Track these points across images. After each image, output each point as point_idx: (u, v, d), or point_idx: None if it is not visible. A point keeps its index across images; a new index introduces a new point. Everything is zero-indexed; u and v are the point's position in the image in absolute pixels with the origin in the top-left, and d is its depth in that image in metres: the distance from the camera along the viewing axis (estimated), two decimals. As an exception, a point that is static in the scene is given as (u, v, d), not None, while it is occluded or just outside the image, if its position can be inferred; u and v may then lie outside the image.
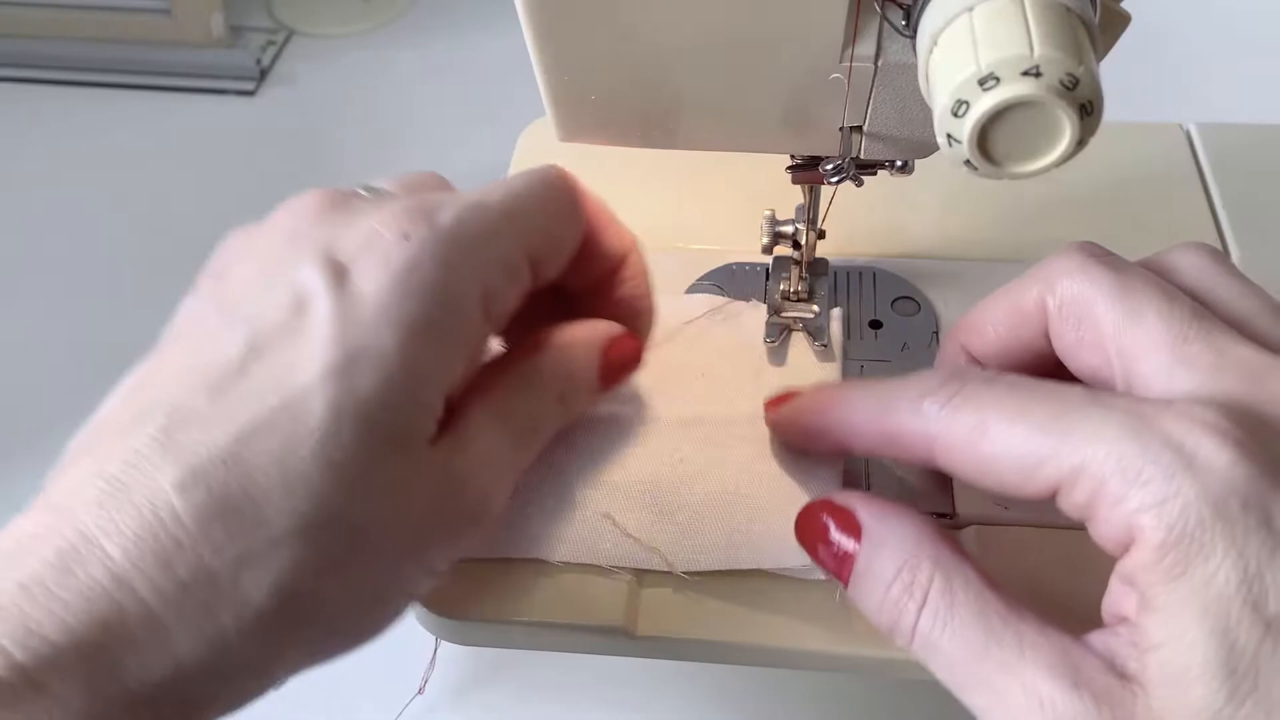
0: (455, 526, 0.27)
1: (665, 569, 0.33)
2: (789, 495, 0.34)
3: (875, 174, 0.34)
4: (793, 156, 0.34)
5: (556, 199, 0.30)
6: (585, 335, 0.32)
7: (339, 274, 0.25)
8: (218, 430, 0.23)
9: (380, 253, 0.25)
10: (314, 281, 0.24)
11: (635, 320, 0.34)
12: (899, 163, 0.33)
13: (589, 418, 0.36)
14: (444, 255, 0.25)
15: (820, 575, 0.32)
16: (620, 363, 0.33)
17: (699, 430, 0.36)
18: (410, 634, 0.34)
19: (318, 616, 0.24)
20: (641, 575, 0.33)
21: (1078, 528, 0.34)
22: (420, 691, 0.48)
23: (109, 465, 0.22)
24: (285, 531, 0.23)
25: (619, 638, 0.32)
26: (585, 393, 0.32)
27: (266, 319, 0.24)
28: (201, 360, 0.24)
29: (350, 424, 0.23)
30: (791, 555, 0.32)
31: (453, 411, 0.27)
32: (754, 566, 0.32)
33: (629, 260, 0.33)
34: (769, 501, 0.34)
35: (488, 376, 0.29)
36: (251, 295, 0.25)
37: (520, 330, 0.31)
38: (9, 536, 0.22)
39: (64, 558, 0.21)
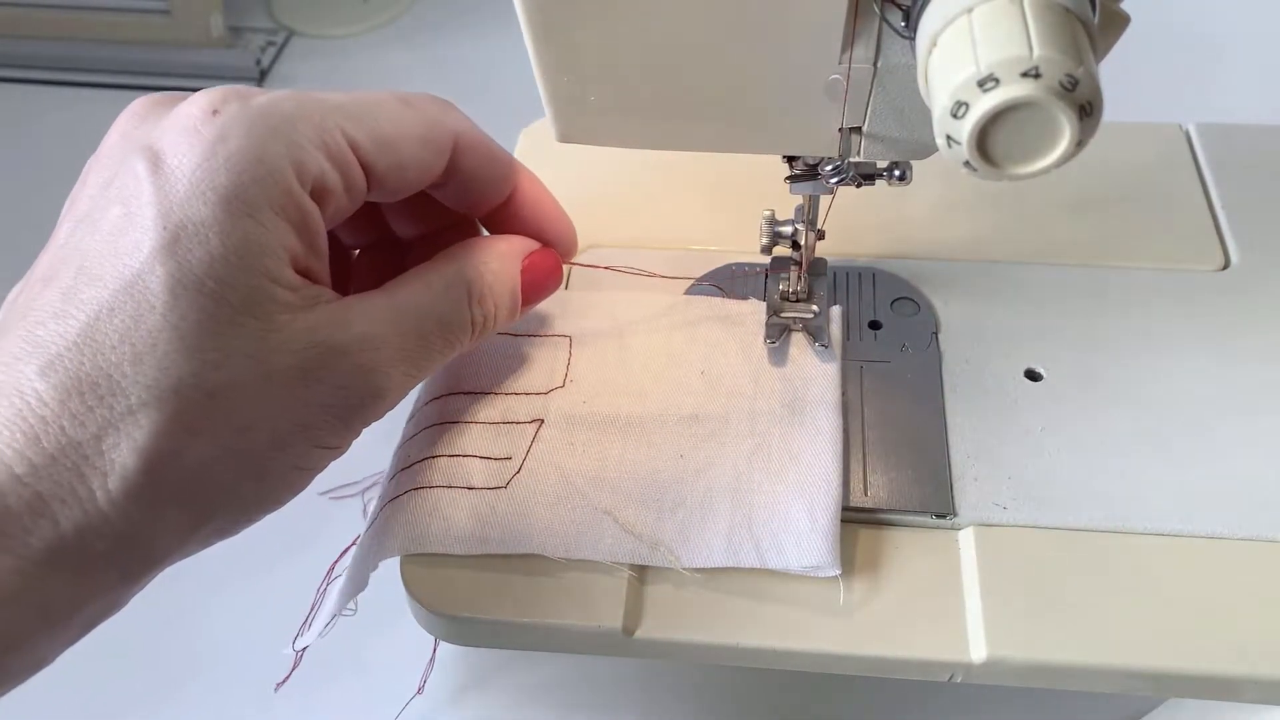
0: (337, 397, 0.28)
1: (667, 565, 0.33)
2: (788, 494, 0.34)
3: (874, 183, 0.34)
4: (791, 166, 0.35)
5: (406, 109, 0.31)
6: (504, 245, 0.34)
7: (155, 160, 0.26)
8: (71, 321, 0.25)
9: (190, 130, 0.26)
10: (137, 171, 0.26)
11: (553, 243, 0.36)
12: (897, 173, 0.34)
13: (589, 415, 0.36)
14: (250, 126, 0.27)
15: (822, 573, 0.32)
16: (541, 275, 0.35)
17: (699, 427, 0.36)
18: (410, 634, 0.35)
19: (193, 481, 0.25)
20: (642, 574, 0.33)
21: (1078, 528, 0.34)
22: (419, 691, 0.48)
23: None
24: (140, 400, 0.24)
25: (619, 638, 0.32)
26: (503, 299, 0.33)
27: (104, 218, 0.26)
28: (54, 267, 0.26)
29: (186, 294, 0.25)
30: (790, 555, 0.32)
31: (344, 292, 0.29)
32: (755, 565, 0.33)
33: (520, 188, 0.35)
34: (768, 499, 0.34)
35: (400, 276, 0.31)
36: (92, 201, 0.27)
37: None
38: None
39: None
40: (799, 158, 0.36)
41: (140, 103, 0.29)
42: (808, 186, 0.35)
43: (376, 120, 0.29)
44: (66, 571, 0.24)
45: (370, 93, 0.31)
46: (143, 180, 0.26)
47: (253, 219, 0.26)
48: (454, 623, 0.33)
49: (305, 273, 0.28)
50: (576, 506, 0.34)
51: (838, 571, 0.32)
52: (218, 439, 0.26)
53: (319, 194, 0.28)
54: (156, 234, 0.25)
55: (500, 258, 0.33)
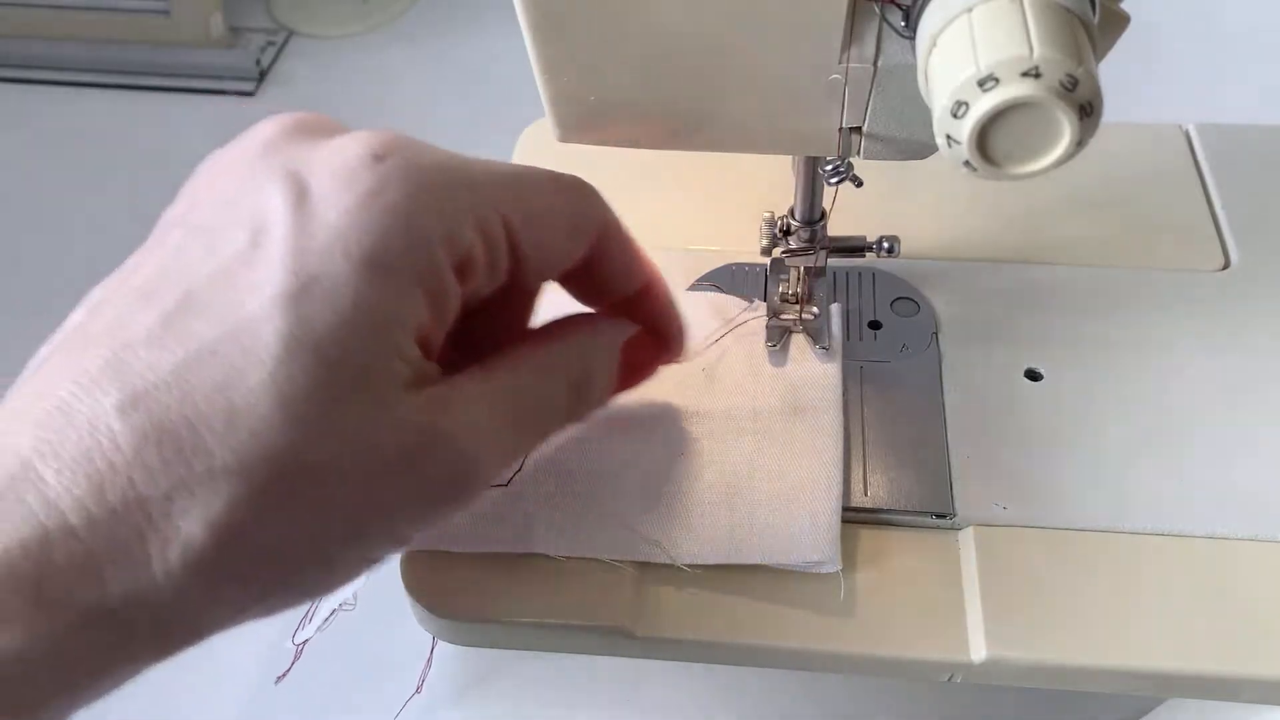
0: (429, 489, 0.25)
1: (667, 561, 0.33)
2: (788, 490, 0.34)
3: (860, 185, 0.34)
4: (787, 248, 0.37)
5: (558, 194, 0.28)
6: (607, 330, 0.31)
7: (300, 194, 0.23)
8: (165, 354, 0.22)
9: (346, 173, 0.23)
10: (274, 202, 0.23)
11: (661, 339, 0.33)
12: (886, 245, 0.36)
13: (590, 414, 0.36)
14: (411, 185, 0.24)
15: (822, 570, 0.32)
16: (639, 363, 0.32)
17: (701, 424, 0.36)
18: (408, 632, 0.35)
19: (260, 560, 0.22)
20: (642, 574, 0.33)
21: (1078, 528, 0.34)
22: (418, 690, 0.48)
23: (59, 387, 0.22)
24: (224, 464, 0.21)
25: (619, 638, 0.32)
26: (600, 387, 0.31)
27: (225, 241, 0.23)
28: (158, 281, 0.23)
29: (302, 354, 0.22)
30: (791, 551, 0.32)
31: (451, 374, 0.26)
32: (754, 561, 0.33)
33: (650, 290, 0.32)
34: (768, 495, 0.34)
35: (498, 355, 0.28)
36: (215, 215, 0.24)
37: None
38: None
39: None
40: (790, 233, 0.37)
41: (291, 119, 0.26)
42: (800, 260, 0.37)
43: (530, 202, 0.27)
44: (102, 640, 0.21)
45: (526, 168, 0.28)
46: (280, 213, 0.23)
47: (392, 287, 0.23)
48: (454, 623, 0.33)
49: (425, 348, 0.25)
50: (577, 504, 0.34)
51: (838, 567, 0.32)
52: (296, 521, 0.23)
53: (463, 270, 0.25)
54: (284, 279, 0.22)
55: (601, 347, 0.31)
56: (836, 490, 0.34)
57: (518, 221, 0.26)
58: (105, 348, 0.22)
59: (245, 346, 0.22)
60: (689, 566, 0.33)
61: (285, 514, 0.22)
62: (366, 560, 0.25)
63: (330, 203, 0.23)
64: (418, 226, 0.24)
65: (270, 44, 0.89)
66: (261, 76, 0.87)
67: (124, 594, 0.21)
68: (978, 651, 0.31)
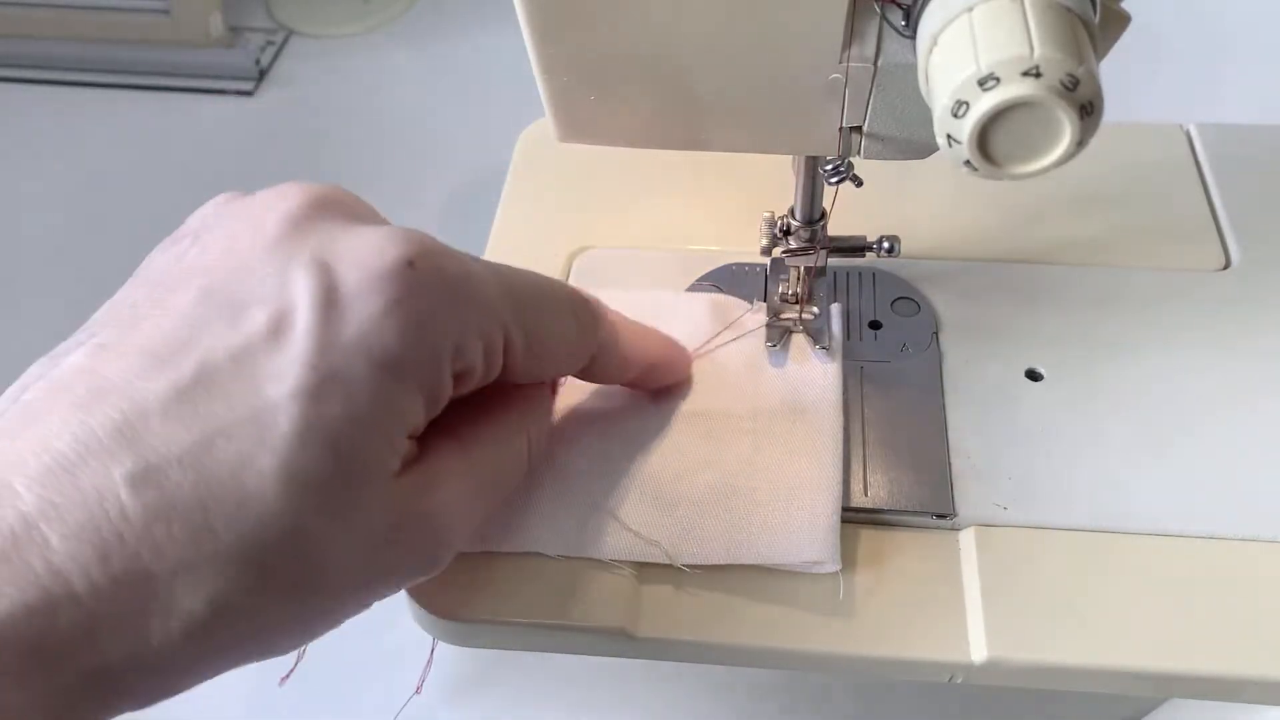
0: (408, 564, 0.26)
1: (665, 562, 0.33)
2: (787, 489, 0.34)
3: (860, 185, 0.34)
4: (787, 248, 0.37)
5: (568, 318, 0.30)
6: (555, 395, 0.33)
7: (330, 290, 0.24)
8: (181, 430, 0.22)
9: (378, 276, 0.24)
10: (302, 291, 0.23)
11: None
12: (886, 245, 0.36)
13: (589, 411, 0.36)
14: (436, 297, 0.25)
15: (821, 570, 0.32)
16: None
17: (699, 424, 0.36)
18: (409, 634, 0.35)
19: (250, 632, 0.23)
20: (641, 573, 0.33)
21: (1078, 528, 0.34)
22: (418, 691, 0.48)
23: (59, 441, 0.22)
24: (230, 547, 0.22)
25: (619, 639, 0.32)
26: (546, 433, 0.33)
27: (247, 319, 0.23)
28: (173, 347, 0.23)
29: (314, 448, 0.23)
30: (790, 551, 0.32)
31: (420, 452, 0.26)
32: (753, 561, 0.33)
33: (641, 378, 0.35)
34: (767, 495, 0.34)
35: (460, 420, 0.29)
36: (237, 287, 0.24)
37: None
38: None
39: (2, 541, 0.21)
40: (790, 233, 0.37)
41: (319, 194, 0.26)
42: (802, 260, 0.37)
43: (538, 325, 0.28)
44: (94, 703, 0.22)
45: (546, 285, 0.29)
46: (308, 305, 0.23)
47: (400, 389, 0.24)
48: (454, 623, 0.33)
49: (411, 436, 0.26)
50: (575, 504, 0.34)
51: (838, 567, 0.32)
52: (290, 600, 0.24)
53: (459, 378, 0.26)
54: (304, 374, 0.23)
55: (548, 396, 0.33)
56: (836, 490, 0.34)
57: (519, 343, 0.27)
58: (114, 409, 0.22)
59: (260, 434, 0.22)
60: (688, 567, 0.33)
61: (281, 594, 0.23)
62: (346, 618, 0.26)
63: (359, 305, 0.23)
64: (432, 338, 0.25)
65: (270, 44, 0.89)
66: (261, 76, 0.87)
67: (122, 658, 0.21)
68: (978, 652, 0.31)
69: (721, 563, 0.33)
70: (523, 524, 0.33)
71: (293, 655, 0.45)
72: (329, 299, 0.23)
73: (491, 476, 0.29)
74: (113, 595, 0.21)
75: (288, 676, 0.46)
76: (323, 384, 0.23)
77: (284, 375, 0.23)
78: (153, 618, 0.21)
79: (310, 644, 0.38)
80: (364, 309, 0.23)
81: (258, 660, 0.25)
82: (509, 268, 0.28)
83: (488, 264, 0.27)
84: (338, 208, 0.26)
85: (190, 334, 0.23)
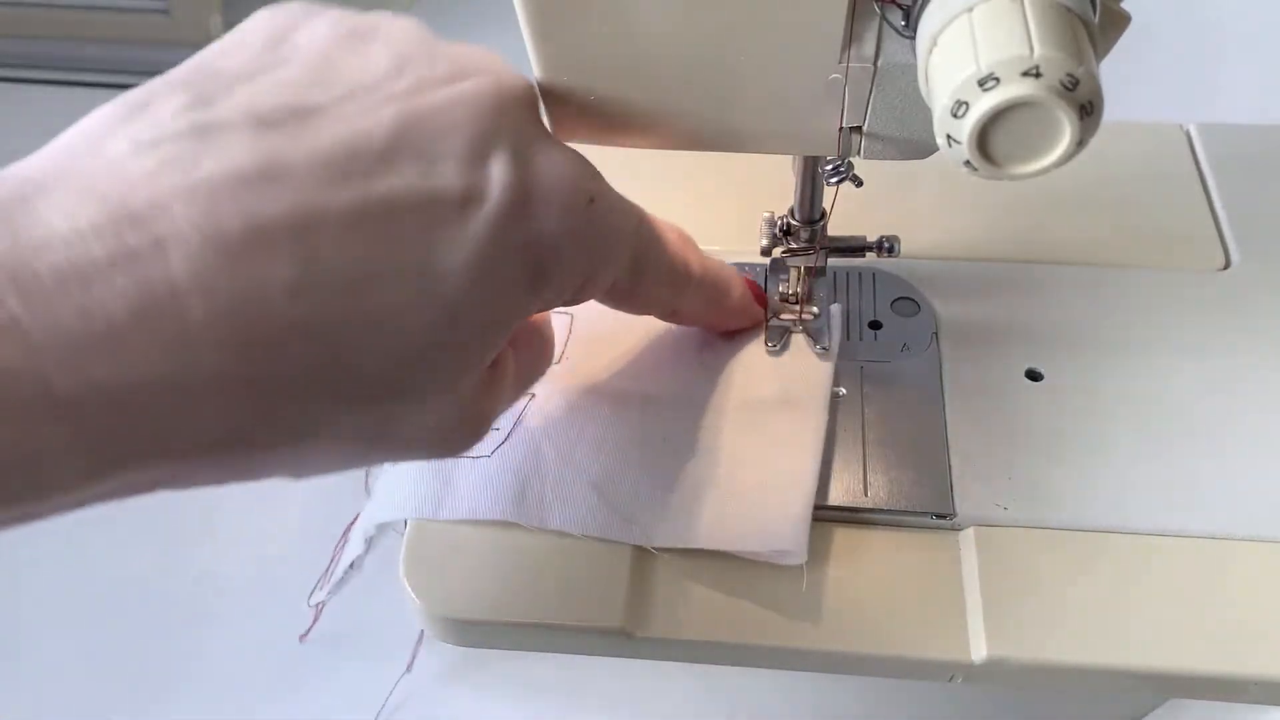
0: (450, 443, 0.27)
1: (640, 542, 0.33)
2: (763, 479, 0.34)
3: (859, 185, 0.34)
4: (787, 248, 0.38)
5: (670, 276, 0.32)
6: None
7: (524, 191, 0.24)
8: (351, 258, 0.22)
9: (566, 203, 0.25)
10: (499, 181, 0.24)
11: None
12: (887, 244, 0.37)
13: (581, 391, 0.36)
14: (598, 240, 0.27)
15: (788, 561, 0.33)
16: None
17: (687, 412, 0.36)
18: (400, 611, 0.35)
19: (307, 454, 0.24)
20: (640, 572, 0.33)
21: (1078, 528, 0.34)
22: (408, 669, 0.48)
23: (224, 219, 0.20)
24: (345, 389, 0.22)
25: (618, 639, 0.32)
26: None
27: (442, 180, 0.23)
28: (360, 167, 0.22)
29: (462, 325, 0.24)
30: (759, 539, 0.32)
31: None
32: (723, 548, 0.33)
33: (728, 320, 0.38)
34: (745, 485, 0.34)
35: (521, 344, 0.31)
36: (436, 136, 0.23)
37: None
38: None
39: (144, 303, 0.19)
40: (790, 233, 0.37)
41: (511, 74, 0.26)
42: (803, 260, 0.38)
43: (644, 279, 0.31)
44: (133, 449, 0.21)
45: (668, 248, 0.32)
46: (500, 195, 0.24)
47: (535, 301, 0.26)
48: (454, 623, 0.33)
49: None
50: (556, 479, 0.34)
51: (804, 559, 0.32)
52: (358, 444, 0.25)
53: (568, 301, 0.28)
54: (479, 253, 0.23)
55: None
56: (811, 484, 0.34)
57: (623, 288, 0.30)
58: (292, 205, 0.21)
59: (420, 290, 0.23)
60: (658, 550, 0.33)
61: (353, 442, 0.24)
62: (334, 467, 0.25)
63: (541, 218, 0.25)
64: (580, 267, 0.27)
65: (270, 44, 0.89)
66: (261, 76, 0.86)
67: (229, 438, 0.21)
68: (978, 651, 0.31)
69: (692, 546, 0.33)
70: (502, 494, 0.34)
71: (309, 613, 0.47)
72: (521, 199, 0.24)
73: (528, 377, 0.31)
74: (231, 389, 0.21)
75: (307, 633, 0.48)
76: (488, 272, 0.24)
77: (460, 247, 0.23)
78: (250, 420, 0.21)
79: (324, 603, 0.41)
80: (544, 224, 0.25)
81: (282, 474, 0.25)
82: (640, 214, 0.30)
83: (629, 209, 0.29)
84: (534, 105, 0.27)
85: (379, 164, 0.22)
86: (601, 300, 0.31)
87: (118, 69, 0.86)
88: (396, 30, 0.26)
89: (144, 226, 0.20)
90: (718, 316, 0.37)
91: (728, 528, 0.33)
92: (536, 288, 0.26)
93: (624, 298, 0.31)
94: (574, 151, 0.27)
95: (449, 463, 0.35)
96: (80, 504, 0.21)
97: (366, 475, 0.42)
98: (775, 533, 0.32)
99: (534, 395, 0.37)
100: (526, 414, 0.36)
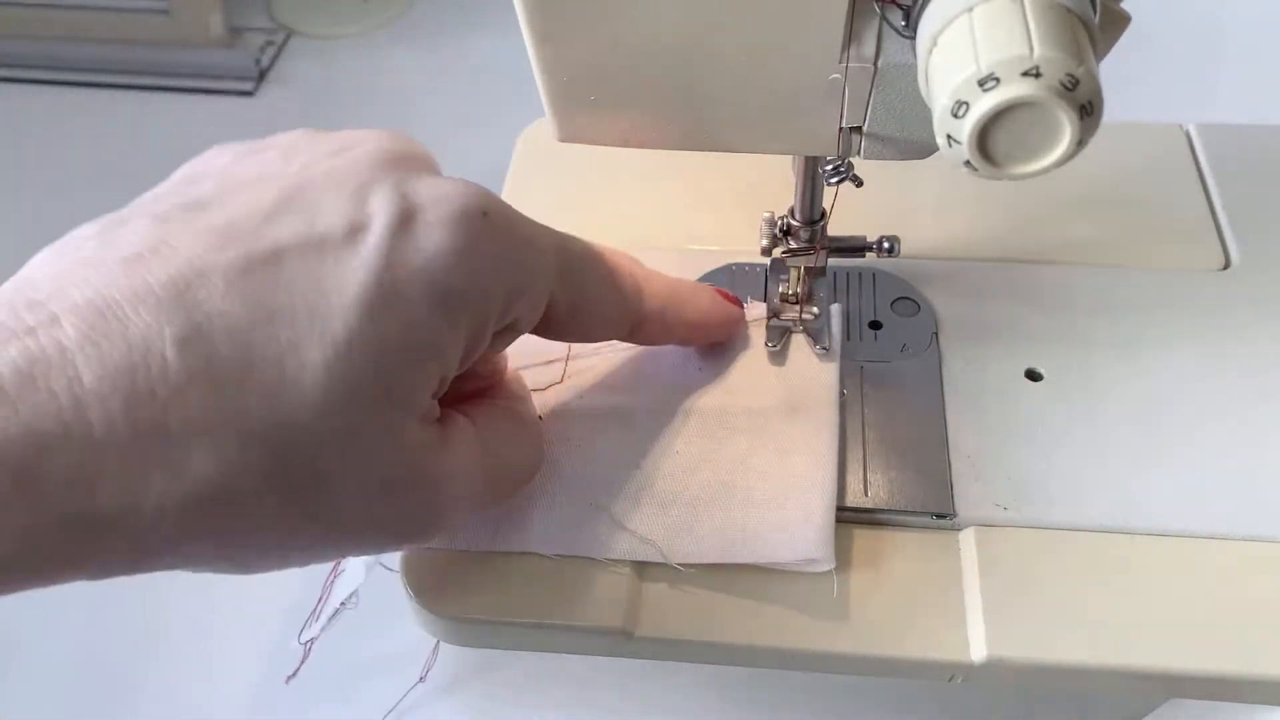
0: (397, 523, 0.26)
1: (660, 560, 0.33)
2: (782, 488, 0.34)
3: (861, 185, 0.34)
4: (787, 248, 0.37)
5: (614, 291, 0.31)
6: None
7: (408, 217, 0.24)
8: (239, 304, 0.22)
9: (456, 218, 0.25)
10: (382, 211, 0.24)
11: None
12: (886, 244, 0.37)
13: (586, 410, 0.36)
14: (503, 249, 0.26)
15: (815, 569, 0.32)
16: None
17: (695, 423, 0.36)
18: (409, 634, 0.35)
19: (237, 524, 0.23)
20: (641, 573, 0.33)
21: (1078, 528, 0.34)
22: (421, 679, 0.48)
23: (114, 290, 0.22)
24: (255, 427, 0.22)
25: (618, 639, 0.32)
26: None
27: (325, 222, 0.24)
28: (247, 228, 0.23)
29: (361, 359, 0.23)
30: (784, 550, 0.32)
31: (439, 419, 0.27)
32: (748, 560, 0.33)
33: (705, 330, 0.37)
34: (762, 495, 0.34)
35: (478, 412, 0.29)
36: (320, 193, 0.25)
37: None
38: None
39: (32, 364, 0.20)
40: (790, 233, 0.37)
41: (404, 139, 0.28)
42: (803, 260, 0.37)
43: (584, 290, 0.30)
44: (66, 546, 0.21)
45: (596, 253, 0.31)
46: (385, 224, 0.24)
47: (449, 327, 0.25)
48: (454, 623, 0.33)
49: (438, 387, 0.26)
50: (571, 503, 0.34)
51: (832, 565, 0.32)
52: (290, 503, 0.23)
53: (500, 333, 0.27)
54: (369, 284, 0.23)
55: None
56: (831, 489, 0.34)
57: (563, 306, 0.29)
58: (177, 271, 0.22)
59: (314, 329, 0.23)
60: (683, 566, 0.33)
61: (280, 496, 0.23)
62: (308, 561, 0.26)
63: (433, 237, 0.24)
64: (490, 287, 0.26)
65: (270, 44, 0.89)
66: (261, 76, 0.87)
67: (113, 511, 0.21)
68: (978, 652, 0.31)
69: (716, 561, 0.33)
70: (519, 524, 0.34)
71: (298, 654, 0.45)
72: (405, 223, 0.24)
73: (504, 464, 0.30)
74: (127, 445, 0.21)
75: (294, 674, 0.46)
76: (384, 300, 0.23)
77: (349, 282, 0.23)
78: (157, 478, 0.21)
79: (314, 642, 0.39)
80: (436, 242, 0.24)
81: (224, 568, 0.25)
82: (564, 234, 0.29)
83: (546, 228, 0.28)
84: (420, 158, 0.27)
85: (264, 224, 0.24)
86: (549, 332, 0.30)
87: (118, 69, 0.86)
88: (289, 136, 0.28)
89: (41, 308, 0.21)
90: (690, 331, 0.36)
91: (750, 540, 0.33)
92: (446, 315, 0.25)
93: (570, 323, 0.30)
94: (467, 180, 0.27)
95: None
96: (17, 581, 0.21)
97: None
98: (800, 541, 0.32)
99: (540, 418, 0.36)
100: None
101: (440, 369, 0.25)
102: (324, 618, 0.37)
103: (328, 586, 0.38)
